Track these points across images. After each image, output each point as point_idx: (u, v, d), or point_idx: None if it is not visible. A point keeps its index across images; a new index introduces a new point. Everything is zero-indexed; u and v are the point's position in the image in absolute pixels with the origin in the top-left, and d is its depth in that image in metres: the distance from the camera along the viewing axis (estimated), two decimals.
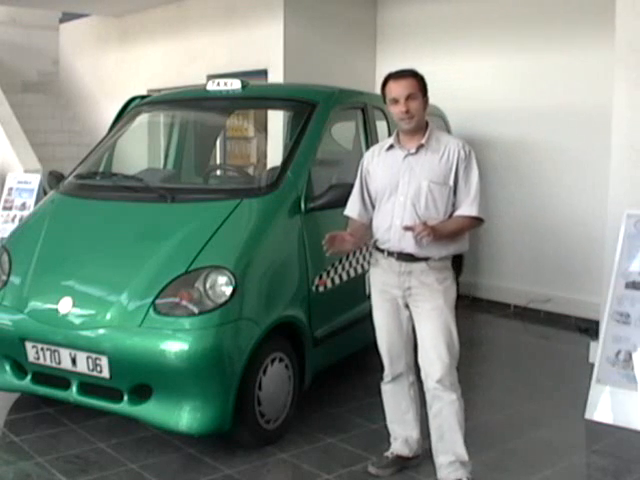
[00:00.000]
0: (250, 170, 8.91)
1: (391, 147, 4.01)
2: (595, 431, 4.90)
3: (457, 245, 3.94)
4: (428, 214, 3.83)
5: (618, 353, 5.07)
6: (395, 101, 3.88)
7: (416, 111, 3.86)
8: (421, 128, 3.92)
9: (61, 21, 13.08)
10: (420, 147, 3.90)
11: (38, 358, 4.40)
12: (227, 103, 6.13)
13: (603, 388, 5.05)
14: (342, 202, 4.32)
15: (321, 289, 4.92)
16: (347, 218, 4.18)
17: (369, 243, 4.13)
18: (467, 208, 3.85)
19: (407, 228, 3.75)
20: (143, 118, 6.19)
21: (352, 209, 4.15)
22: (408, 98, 3.84)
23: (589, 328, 6.85)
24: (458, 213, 3.87)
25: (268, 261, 4.54)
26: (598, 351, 5.19)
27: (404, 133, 3.96)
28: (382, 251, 3.98)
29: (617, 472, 4.32)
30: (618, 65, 5.98)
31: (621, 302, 5.17)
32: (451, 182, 3.86)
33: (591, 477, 4.41)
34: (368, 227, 4.09)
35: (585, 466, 4.51)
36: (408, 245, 3.84)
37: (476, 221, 3.90)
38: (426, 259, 3.86)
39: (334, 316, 5.12)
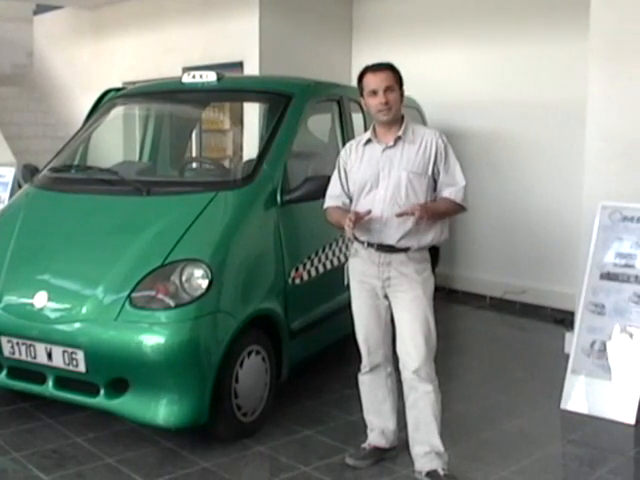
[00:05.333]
0: (226, 163, 8.88)
1: (369, 141, 4.02)
2: (571, 421, 4.94)
3: (436, 234, 3.94)
4: (409, 204, 3.83)
5: (593, 343, 5.11)
6: (374, 93, 3.89)
7: (394, 103, 3.89)
8: (397, 121, 3.95)
9: (35, 13, 12.96)
10: (398, 139, 3.92)
11: (13, 353, 4.37)
12: (202, 95, 6.09)
13: (578, 378, 5.09)
14: (318, 194, 4.36)
15: (297, 281, 4.92)
16: (322, 210, 4.18)
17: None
18: (454, 192, 3.89)
19: (400, 215, 3.75)
20: (118, 111, 6.14)
21: (336, 199, 4.09)
22: (387, 90, 3.87)
23: (564, 319, 6.90)
24: (444, 195, 3.90)
25: (244, 254, 4.53)
26: (573, 342, 5.24)
27: (381, 126, 3.97)
28: (362, 242, 4.00)
29: (593, 461, 4.35)
30: (592, 57, 6.00)
31: (596, 293, 5.21)
32: (430, 172, 3.89)
33: (567, 467, 4.45)
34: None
35: (561, 456, 4.55)
36: (387, 237, 3.87)
37: (459, 208, 3.94)
38: (405, 250, 3.87)
39: (311, 308, 5.12)
